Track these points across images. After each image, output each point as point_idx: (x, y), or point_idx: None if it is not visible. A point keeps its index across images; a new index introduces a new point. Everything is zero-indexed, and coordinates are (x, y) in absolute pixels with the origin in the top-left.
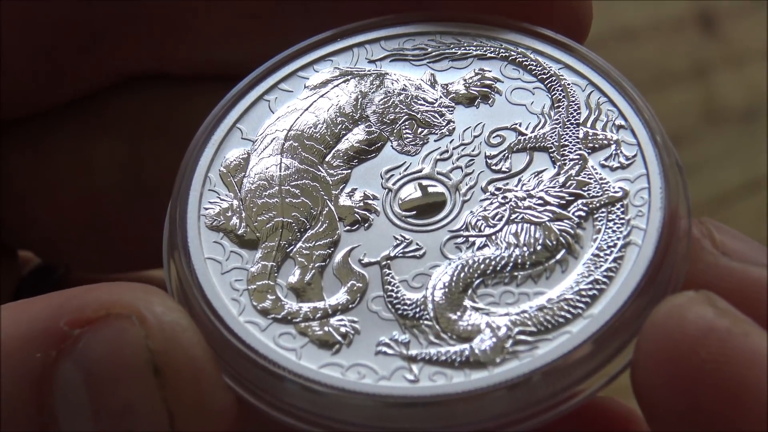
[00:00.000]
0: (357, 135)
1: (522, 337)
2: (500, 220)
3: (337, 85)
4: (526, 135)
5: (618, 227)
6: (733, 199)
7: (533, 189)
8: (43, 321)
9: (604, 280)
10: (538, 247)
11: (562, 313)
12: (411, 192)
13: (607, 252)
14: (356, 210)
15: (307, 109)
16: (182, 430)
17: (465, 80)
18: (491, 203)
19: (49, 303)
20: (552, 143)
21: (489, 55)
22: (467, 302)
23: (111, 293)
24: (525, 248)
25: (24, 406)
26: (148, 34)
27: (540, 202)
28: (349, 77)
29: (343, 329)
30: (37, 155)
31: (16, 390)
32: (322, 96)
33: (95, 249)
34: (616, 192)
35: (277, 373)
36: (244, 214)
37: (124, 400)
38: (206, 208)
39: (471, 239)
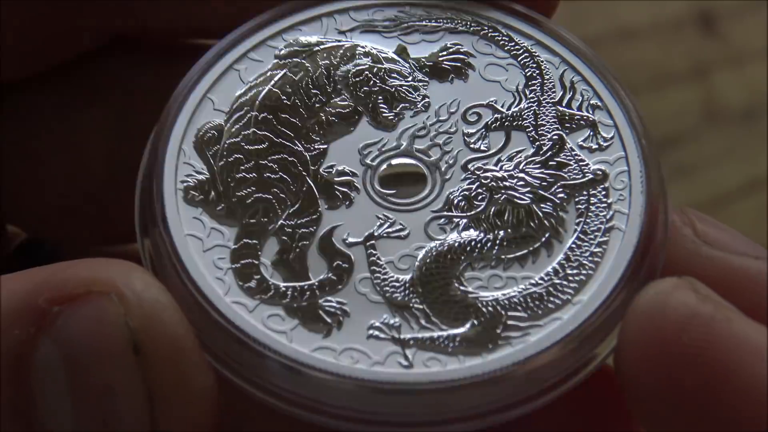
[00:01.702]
0: (331, 108)
1: (513, 322)
2: (482, 200)
3: (308, 56)
4: (503, 113)
5: (600, 211)
6: (733, 199)
7: (513, 169)
8: (22, 298)
9: (591, 265)
10: (523, 229)
11: (551, 299)
12: (383, 170)
13: (591, 237)
14: (337, 188)
15: (279, 80)
16: (163, 409)
17: (438, 54)
18: (472, 183)
19: (29, 279)
20: (529, 122)
21: (460, 29)
22: (456, 285)
23: (91, 270)
24: (509, 230)
25: (1, 384)
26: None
27: (521, 183)
28: (319, 47)
29: (332, 310)
30: (22, 127)
31: None
32: (293, 66)
33: (83, 221)
34: (596, 174)
35: (269, 356)
36: (221, 189)
37: (104, 380)
38: (182, 182)
39: (455, 220)
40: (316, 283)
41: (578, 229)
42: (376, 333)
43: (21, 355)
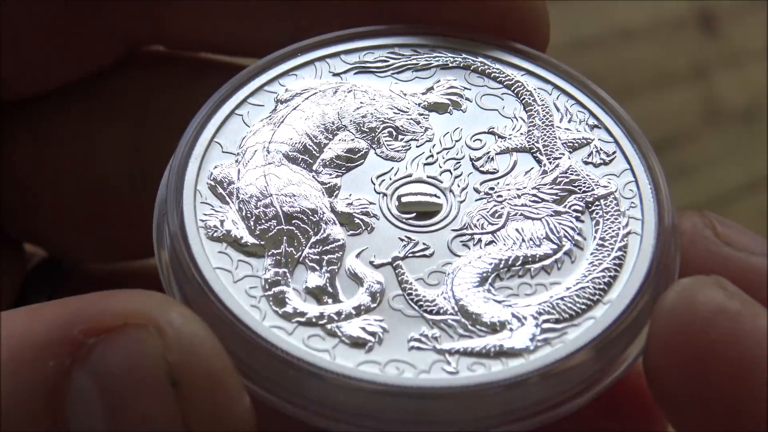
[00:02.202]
0: (340, 144)
1: (549, 325)
2: (500, 217)
3: (307, 98)
4: (505, 137)
5: (615, 219)
6: (733, 199)
7: (525, 188)
8: (58, 328)
9: (615, 267)
10: (544, 241)
11: (583, 301)
12: (414, 191)
13: (611, 242)
14: (356, 215)
15: (282, 121)
16: None
17: (433, 89)
18: (488, 202)
19: (64, 310)
20: (533, 144)
21: (451, 65)
22: (487, 296)
23: (127, 302)
24: (531, 243)
25: (37, 416)
26: (146, 6)
27: (535, 199)
28: (317, 90)
29: (371, 328)
30: (40, 142)
31: (29, 399)
32: (294, 109)
33: (99, 238)
34: (606, 186)
35: (314, 373)
36: (242, 225)
37: (141, 413)
38: (202, 220)
39: (477, 237)
40: (351, 305)
41: (597, 236)
42: (417, 344)
43: (56, 386)
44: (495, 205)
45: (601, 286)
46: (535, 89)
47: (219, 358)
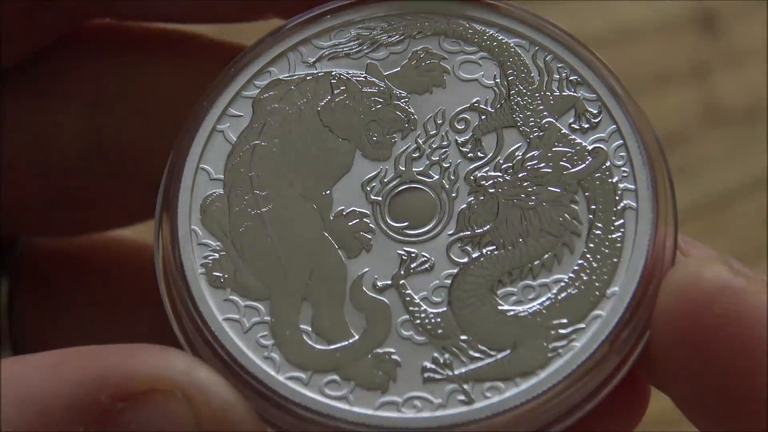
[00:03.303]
0: (325, 153)
1: (557, 331)
2: (493, 213)
3: (283, 98)
4: (489, 112)
5: (608, 194)
6: (733, 199)
7: (516, 172)
8: (85, 393)
9: (614, 252)
10: (542, 234)
11: (588, 297)
12: (405, 197)
13: (607, 223)
14: (354, 236)
15: (263, 132)
16: None
17: (410, 65)
18: (480, 196)
19: (88, 370)
20: (517, 116)
21: (425, 32)
22: (493, 306)
23: (154, 365)
24: (528, 237)
25: None
26: None
27: (527, 183)
28: (293, 87)
29: (383, 366)
30: None
31: None
32: (273, 114)
33: (54, 218)
34: (596, 154)
35: (335, 426)
36: (242, 265)
37: None
38: (202, 264)
39: (474, 239)
40: (361, 340)
41: (592, 218)
42: (431, 375)
43: None
44: (487, 198)
45: (604, 277)
46: (512, 47)
47: (249, 422)
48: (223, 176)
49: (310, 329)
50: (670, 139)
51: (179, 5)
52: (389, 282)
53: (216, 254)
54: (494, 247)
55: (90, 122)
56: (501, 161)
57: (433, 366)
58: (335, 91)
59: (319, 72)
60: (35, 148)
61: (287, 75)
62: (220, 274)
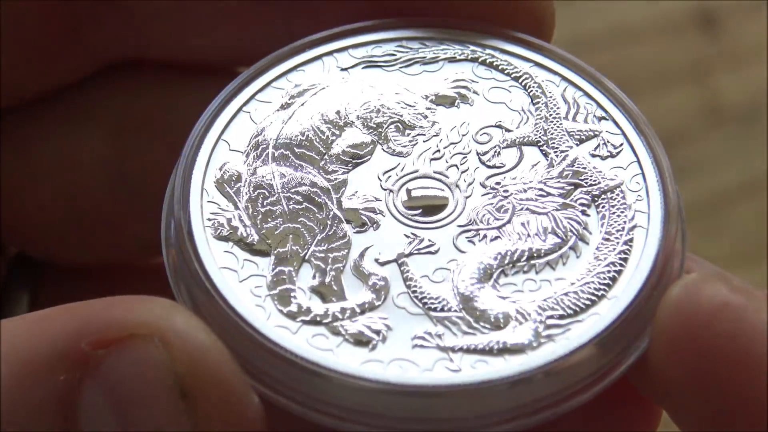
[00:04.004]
0: (346, 140)
1: (553, 321)
2: (505, 212)
3: (315, 94)
4: (512, 131)
5: (621, 212)
6: (733, 199)
7: (531, 182)
8: (66, 341)
9: (620, 262)
10: (549, 236)
11: (587, 296)
12: (422, 185)
13: (617, 236)
14: (362, 212)
15: (290, 118)
16: None
17: (441, 82)
18: (493, 197)
19: (70, 320)
20: (540, 137)
21: (458, 57)
22: (492, 292)
23: (132, 311)
24: (536, 238)
25: (51, 430)
26: (128, 19)
27: (541, 193)
28: (324, 85)
29: (375, 326)
30: (19, 147)
31: (42, 413)
32: (301, 105)
33: (77, 243)
34: (612, 179)
35: (318, 373)
36: (249, 223)
37: (153, 426)
38: (209, 219)
39: (482, 232)
40: (355, 303)
41: (603, 230)
42: (421, 342)
43: (68, 399)
44: (501, 200)
45: (606, 281)
46: (543, 81)
47: (226, 365)
48: (243, 149)
49: (306, 287)
50: (670, 139)
51: (215, 49)
52: (392, 258)
53: (225, 212)
54: (501, 242)
55: (115, 148)
56: (519, 173)
57: (423, 335)
58: (365, 92)
59: (352, 77)
60: (61, 172)
61: (321, 75)
62: (225, 228)
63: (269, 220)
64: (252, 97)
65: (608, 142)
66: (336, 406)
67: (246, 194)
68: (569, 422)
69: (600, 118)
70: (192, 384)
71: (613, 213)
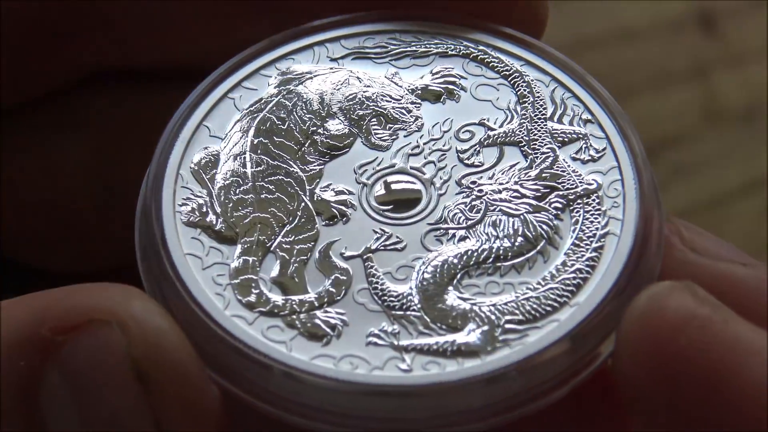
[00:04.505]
0: (327, 131)
1: (511, 326)
2: (477, 212)
3: (302, 83)
4: (495, 130)
5: (595, 218)
6: (733, 199)
7: (507, 182)
8: (26, 327)
9: (587, 269)
10: (519, 239)
11: (549, 302)
12: (379, 190)
13: (587, 242)
14: (333, 205)
15: (273, 106)
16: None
17: (429, 77)
18: (467, 196)
19: (31, 307)
20: (522, 137)
21: (450, 52)
22: (453, 293)
23: (91, 297)
24: (505, 240)
25: (12, 415)
26: (110, 29)
27: (516, 194)
28: (312, 75)
29: (331, 321)
30: (1, 155)
31: (4, 399)
32: (287, 93)
33: (61, 250)
34: (590, 184)
35: (268, 365)
36: (219, 210)
37: (110, 409)
38: (180, 205)
39: (451, 231)
40: (315, 296)
41: (573, 236)
42: (375, 340)
43: (29, 385)
44: (474, 200)
45: (570, 288)
46: (532, 80)
47: (182, 350)
48: (223, 135)
49: (267, 278)
50: (670, 139)
51: (197, 54)
52: (357, 253)
53: (197, 198)
54: (469, 242)
55: (98, 156)
56: (496, 172)
57: (378, 332)
58: (351, 83)
59: (341, 68)
60: (43, 178)
61: (309, 65)
62: (195, 215)
63: (240, 208)
64: (239, 83)
65: (591, 146)
66: (285, 399)
67: (220, 181)
68: (542, 425)
69: (586, 121)
70: (148, 367)
71: (587, 219)
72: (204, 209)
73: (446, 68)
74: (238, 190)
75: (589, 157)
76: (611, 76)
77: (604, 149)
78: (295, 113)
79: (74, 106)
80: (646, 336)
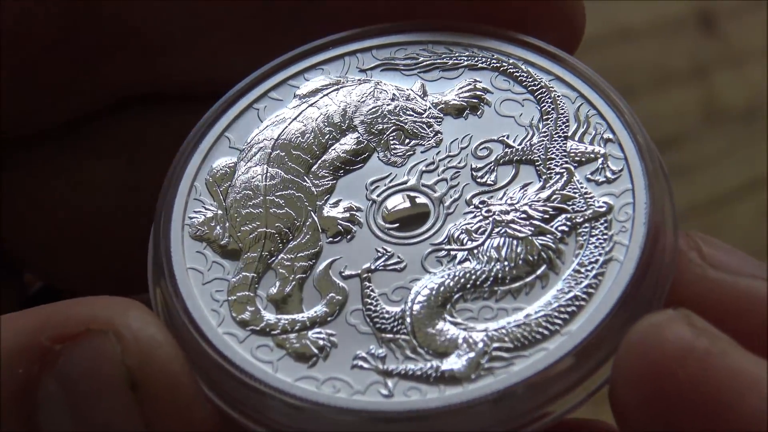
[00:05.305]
0: (344, 145)
1: (498, 353)
2: (483, 233)
3: (326, 95)
4: (513, 147)
5: (600, 243)
6: (733, 199)
7: (517, 203)
8: (26, 336)
9: (584, 296)
10: (519, 262)
11: (540, 330)
12: (399, 202)
13: (588, 268)
14: (339, 221)
15: (295, 118)
16: None
17: (454, 91)
18: (474, 216)
19: (32, 317)
20: (539, 156)
21: (480, 65)
22: (446, 317)
23: (90, 308)
24: (506, 263)
25: (9, 421)
26: (140, 53)
27: (523, 216)
28: (339, 86)
29: (320, 342)
30: (34, 176)
31: (1, 405)
32: (311, 105)
33: (93, 271)
34: (600, 207)
35: (252, 386)
36: (227, 224)
37: (104, 417)
38: (191, 218)
39: (452, 253)
40: (308, 316)
41: (576, 261)
42: (361, 363)
43: (27, 392)
44: (481, 220)
45: (564, 316)
46: (558, 96)
47: (175, 361)
48: (241, 146)
49: (264, 295)
50: (670, 139)
51: (228, 76)
52: (356, 272)
53: (207, 211)
54: (468, 265)
55: (128, 175)
56: (508, 192)
57: (365, 356)
58: (376, 96)
59: (369, 79)
60: (74, 196)
61: (338, 76)
62: (202, 229)
63: (247, 222)
64: (265, 94)
65: (608, 166)
66: (271, 419)
67: (233, 194)
68: None
69: (606, 140)
70: (141, 377)
71: (591, 243)
72: (213, 222)
73: (473, 82)
74: (248, 204)
75: (605, 179)
76: (611, 77)
77: (620, 170)
78: (315, 126)
79: (106, 128)
80: (643, 368)
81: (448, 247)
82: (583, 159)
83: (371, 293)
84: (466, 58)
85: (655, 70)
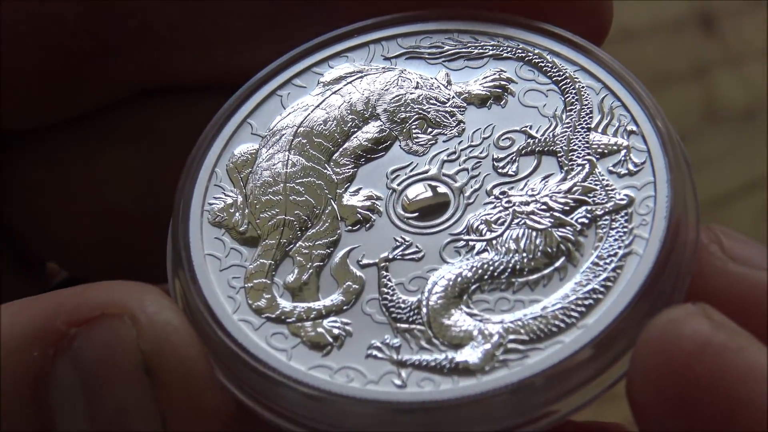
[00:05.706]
0: (366, 133)
1: (514, 345)
2: (502, 224)
3: (350, 82)
4: (536, 138)
5: (620, 236)
6: (733, 199)
7: (538, 194)
8: (42, 320)
9: (602, 289)
10: (538, 254)
11: (556, 322)
12: (420, 191)
13: (607, 261)
14: (359, 210)
15: (318, 105)
16: (175, 429)
17: (478, 80)
18: (494, 207)
19: (49, 301)
20: (561, 147)
21: (505, 55)
22: (462, 308)
23: (106, 292)
24: (524, 254)
25: (23, 404)
26: (157, 46)
27: (543, 207)
28: (363, 74)
29: (335, 331)
30: (50, 167)
31: (15, 389)
32: (334, 93)
33: (109, 262)
34: (621, 199)
35: (266, 374)
36: (247, 211)
37: (118, 401)
38: (210, 204)
39: (471, 243)
40: (324, 305)
41: (595, 254)
42: (375, 353)
43: (41, 375)
44: (501, 211)
45: (581, 308)
46: (583, 87)
47: (190, 346)
48: (263, 133)
49: (281, 283)
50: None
51: (245, 68)
52: (374, 261)
53: (227, 197)
54: (487, 255)
55: (144, 167)
56: (529, 183)
57: (380, 345)
58: (400, 84)
59: (393, 67)
60: (90, 188)
61: (363, 63)
62: (222, 215)
63: (266, 209)
64: (288, 80)
65: (631, 158)
66: (285, 407)
67: (253, 181)
68: None
69: (630, 132)
70: (155, 361)
71: (611, 236)
72: (232, 209)
73: (498, 72)
74: (268, 191)
75: (627, 171)
76: None
77: (643, 163)
78: (338, 114)
79: (123, 121)
80: (660, 363)
81: (467, 237)
82: (605, 151)
83: (388, 282)
84: (491, 48)
85: (655, 70)
